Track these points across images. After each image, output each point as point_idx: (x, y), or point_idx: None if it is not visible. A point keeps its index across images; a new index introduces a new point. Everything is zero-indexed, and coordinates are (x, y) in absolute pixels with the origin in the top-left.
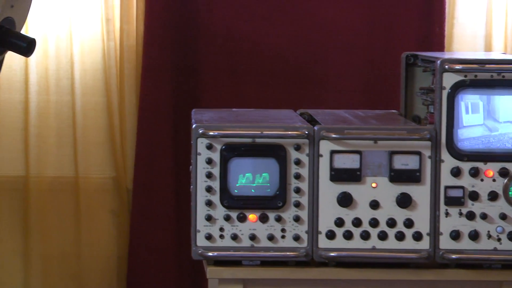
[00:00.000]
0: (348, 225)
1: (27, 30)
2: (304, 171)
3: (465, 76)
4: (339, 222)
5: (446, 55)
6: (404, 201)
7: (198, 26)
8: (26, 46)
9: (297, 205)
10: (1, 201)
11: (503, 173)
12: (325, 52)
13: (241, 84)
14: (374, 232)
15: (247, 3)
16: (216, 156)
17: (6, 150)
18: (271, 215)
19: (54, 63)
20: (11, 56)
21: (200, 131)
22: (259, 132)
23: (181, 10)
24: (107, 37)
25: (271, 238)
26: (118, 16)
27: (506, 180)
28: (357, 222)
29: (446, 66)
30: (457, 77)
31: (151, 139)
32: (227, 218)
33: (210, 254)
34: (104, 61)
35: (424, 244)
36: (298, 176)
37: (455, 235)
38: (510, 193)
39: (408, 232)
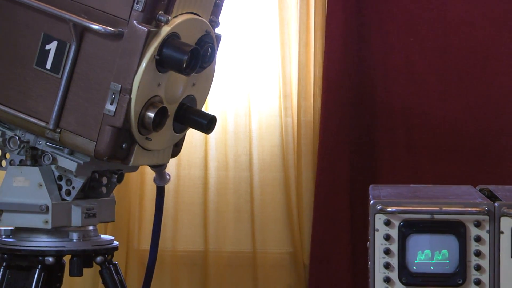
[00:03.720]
0: None
1: (207, 107)
2: (485, 248)
3: None
4: None
5: None
6: None
7: (374, 102)
8: (207, 123)
9: (478, 283)
10: (181, 276)
11: None
12: (504, 125)
13: (418, 159)
14: None
15: (422, 78)
16: (394, 233)
17: (186, 225)
18: None
19: (233, 139)
20: (191, 133)
21: (378, 207)
22: (438, 209)
23: (357, 86)
24: (285, 113)
25: None
26: (296, 92)
27: None
28: None
29: None
30: None
31: (328, 215)
32: None
33: None
34: (282, 137)
35: None
36: (478, 253)
37: None
38: None
39: None
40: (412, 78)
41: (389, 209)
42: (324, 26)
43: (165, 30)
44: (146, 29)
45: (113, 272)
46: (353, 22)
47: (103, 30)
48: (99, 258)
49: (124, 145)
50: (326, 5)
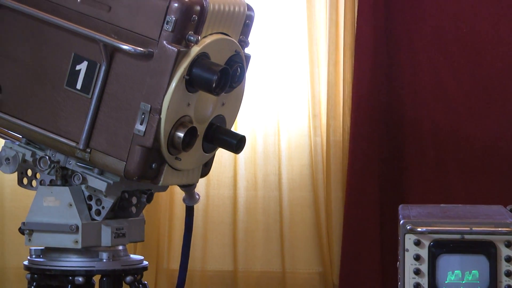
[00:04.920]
0: None
1: (236, 126)
2: None
3: None
4: None
5: None
6: None
7: (403, 121)
8: (236, 143)
9: None
10: None
11: None
12: None
13: (448, 178)
14: None
15: (452, 97)
16: (424, 253)
17: (215, 245)
18: None
19: (262, 158)
20: (220, 152)
21: (408, 227)
22: (468, 229)
23: (386, 105)
24: (314, 133)
25: None
26: (325, 112)
27: None
28: None
29: None
30: None
31: (358, 234)
32: None
33: None
34: (311, 157)
35: None
36: (509, 274)
37: None
38: None
39: None
40: (441, 97)
41: (419, 229)
42: (353, 45)
43: (195, 50)
44: (176, 49)
45: None
46: (382, 41)
47: (133, 50)
48: (128, 278)
49: (153, 165)
50: (356, 24)
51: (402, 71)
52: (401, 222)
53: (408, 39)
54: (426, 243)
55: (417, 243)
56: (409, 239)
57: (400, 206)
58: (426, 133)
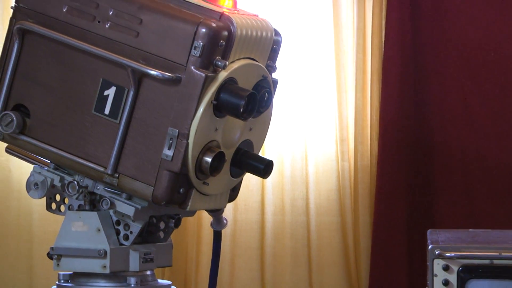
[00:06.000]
0: None
1: (263, 151)
2: None
3: None
4: None
5: None
6: None
7: (431, 145)
8: (264, 168)
9: None
10: None
11: None
12: None
13: (477, 203)
14: None
15: (480, 121)
16: (453, 278)
17: (243, 270)
18: None
19: (289, 183)
20: (248, 177)
21: (437, 252)
22: (498, 254)
23: (415, 130)
24: (342, 158)
25: None
26: (352, 136)
27: None
28: None
29: None
30: None
31: (386, 259)
32: None
33: None
34: (338, 181)
35: None
36: None
37: None
38: None
39: None
40: (469, 121)
41: (447, 254)
42: (380, 70)
43: (222, 75)
44: (204, 75)
45: None
46: (410, 66)
47: (161, 75)
48: None
49: (181, 190)
50: (383, 49)
51: (429, 96)
52: (430, 247)
53: (435, 63)
54: (455, 268)
55: (446, 268)
56: (438, 264)
57: (429, 231)
58: (454, 157)
